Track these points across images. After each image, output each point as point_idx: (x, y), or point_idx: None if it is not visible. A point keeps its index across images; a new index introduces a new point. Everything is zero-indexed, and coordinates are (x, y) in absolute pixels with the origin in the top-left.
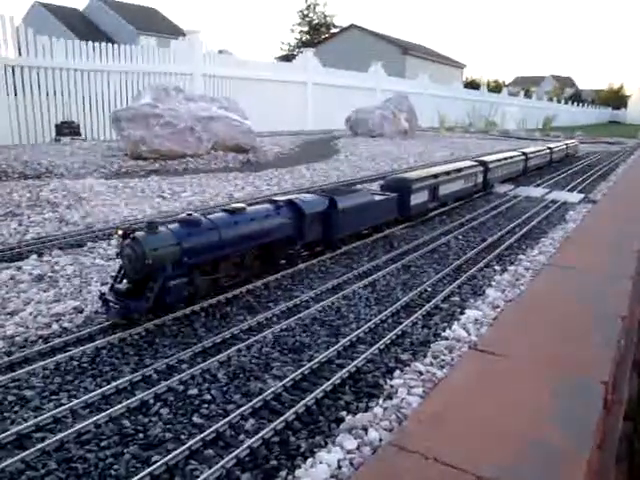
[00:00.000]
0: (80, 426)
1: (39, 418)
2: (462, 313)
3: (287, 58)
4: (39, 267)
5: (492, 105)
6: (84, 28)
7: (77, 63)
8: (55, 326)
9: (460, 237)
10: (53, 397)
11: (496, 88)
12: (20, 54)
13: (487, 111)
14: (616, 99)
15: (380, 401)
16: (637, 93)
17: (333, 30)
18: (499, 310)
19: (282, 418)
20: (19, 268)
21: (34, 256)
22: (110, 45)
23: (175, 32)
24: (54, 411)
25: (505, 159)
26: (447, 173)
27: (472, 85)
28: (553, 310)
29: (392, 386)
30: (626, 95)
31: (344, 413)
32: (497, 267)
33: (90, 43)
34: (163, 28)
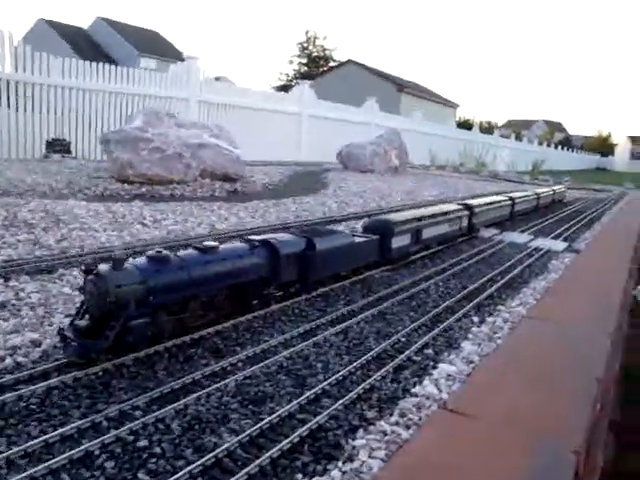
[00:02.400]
0: (14, 479)
1: None
2: (435, 367)
3: (285, 88)
4: (3, 293)
5: (483, 146)
6: (87, 47)
7: (73, 81)
8: (9, 360)
9: (440, 283)
10: None
11: (488, 129)
12: (17, 70)
13: (478, 151)
14: (604, 146)
15: (339, 464)
16: (624, 142)
17: (332, 63)
18: (473, 366)
19: (233, 479)
20: None
21: (0, 280)
22: (107, 65)
23: (176, 56)
24: None
25: (492, 203)
26: (431, 216)
27: (465, 125)
28: (529, 368)
29: (354, 447)
30: (613, 143)
31: (300, 476)
32: (475, 318)
33: (87, 62)
34: (164, 51)
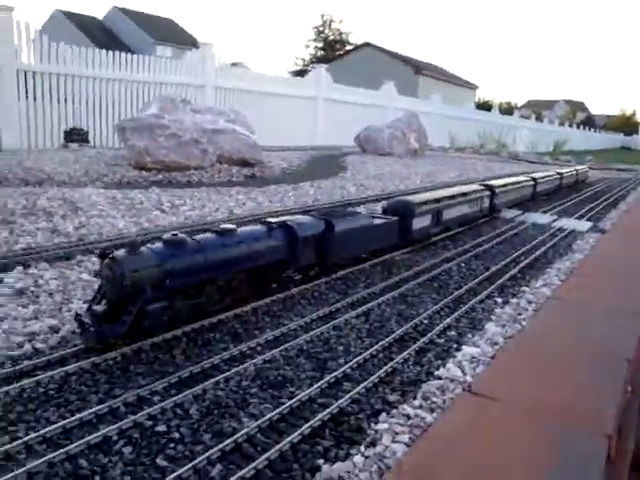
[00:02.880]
0: (32, 465)
1: None
2: (458, 349)
3: (301, 73)
4: (22, 280)
5: (503, 127)
6: (103, 36)
7: (90, 71)
8: (27, 346)
9: (462, 265)
10: (10, 428)
11: (508, 110)
12: (34, 60)
13: (498, 133)
14: (628, 125)
15: (362, 448)
16: None
17: (348, 47)
18: (497, 347)
19: (252, 465)
20: (1, 281)
21: (19, 268)
22: (123, 54)
23: (191, 43)
24: (7, 446)
25: (513, 184)
26: (452, 197)
27: (484, 106)
28: (555, 350)
29: (376, 431)
30: (638, 122)
31: (321, 461)
32: (499, 299)
33: (103, 51)
34: (179, 39)
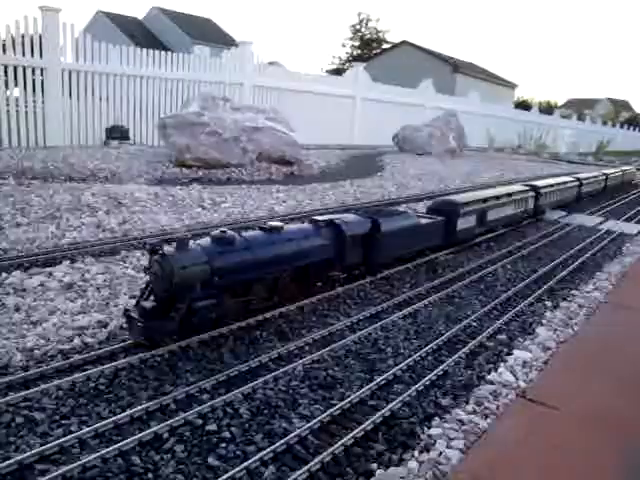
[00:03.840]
0: (86, 460)
1: (45, 447)
2: (509, 354)
3: (337, 72)
4: (70, 274)
5: (543, 127)
6: (143, 36)
7: (130, 69)
8: (77, 341)
9: (508, 266)
10: (63, 422)
11: (548, 109)
12: (77, 59)
13: (538, 133)
14: None
15: (416, 453)
16: None
17: (385, 46)
18: (550, 353)
19: (306, 468)
20: (50, 274)
21: (67, 262)
22: (163, 53)
23: (228, 42)
24: (61, 439)
25: (558, 184)
26: (496, 197)
27: (523, 106)
28: (611, 356)
29: (430, 436)
30: None
31: (375, 465)
32: (548, 303)
33: (144, 50)
34: (217, 38)
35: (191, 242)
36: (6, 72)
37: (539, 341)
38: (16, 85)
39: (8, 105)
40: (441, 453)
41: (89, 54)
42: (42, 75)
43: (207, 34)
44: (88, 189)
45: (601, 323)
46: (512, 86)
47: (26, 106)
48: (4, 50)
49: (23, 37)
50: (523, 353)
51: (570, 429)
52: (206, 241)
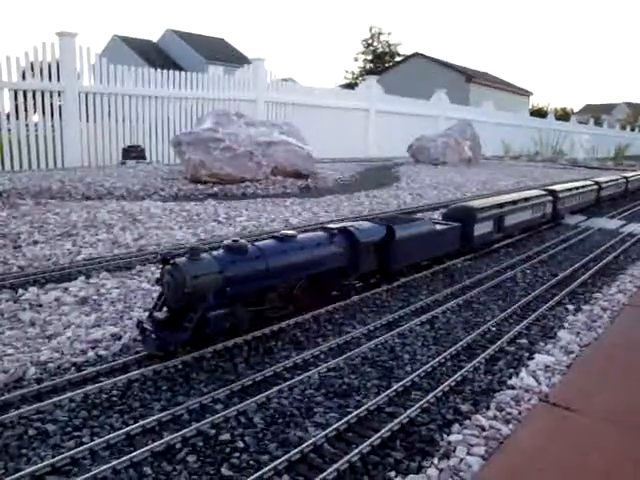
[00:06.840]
0: (97, 471)
1: (56, 458)
2: (531, 358)
3: (350, 86)
4: (85, 289)
5: (560, 133)
6: (158, 58)
7: (145, 90)
8: (91, 353)
9: (527, 271)
10: (75, 434)
11: (564, 116)
12: (94, 82)
13: (555, 139)
14: None
15: (435, 460)
16: None
17: (397, 58)
18: (573, 356)
19: (321, 476)
20: (65, 289)
21: (82, 277)
22: (177, 73)
23: (241, 60)
24: (73, 451)
25: (576, 188)
26: (514, 202)
27: (539, 113)
28: (637, 358)
29: (449, 443)
30: None
31: (392, 474)
32: (570, 306)
33: (158, 71)
34: (230, 57)
35: (203, 252)
36: (25, 97)
37: (561, 345)
38: (35, 111)
39: (28, 131)
40: (461, 460)
41: (105, 76)
42: (60, 98)
43: (220, 53)
44: (104, 207)
45: (625, 325)
46: (527, 94)
47: (45, 129)
48: (24, 77)
49: (41, 63)
50: (545, 357)
51: (593, 432)
52: (218, 250)
